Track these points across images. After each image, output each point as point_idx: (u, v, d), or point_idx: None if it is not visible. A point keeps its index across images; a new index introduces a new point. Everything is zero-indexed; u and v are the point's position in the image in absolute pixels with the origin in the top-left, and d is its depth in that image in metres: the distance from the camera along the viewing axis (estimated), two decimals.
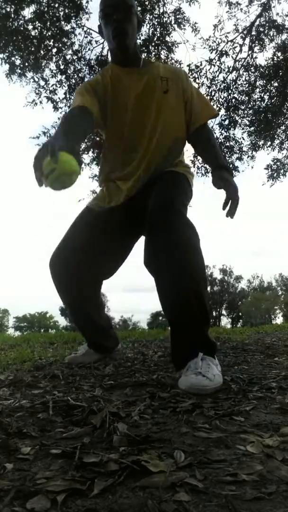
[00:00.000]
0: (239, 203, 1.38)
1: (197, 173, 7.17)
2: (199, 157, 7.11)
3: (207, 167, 7.14)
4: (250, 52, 6.88)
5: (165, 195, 1.44)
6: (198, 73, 6.67)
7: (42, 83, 6.22)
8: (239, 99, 6.98)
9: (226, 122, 6.95)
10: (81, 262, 1.59)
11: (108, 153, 1.68)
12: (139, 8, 6.33)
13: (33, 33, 5.66)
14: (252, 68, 6.90)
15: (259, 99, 6.97)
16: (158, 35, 6.50)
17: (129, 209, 1.60)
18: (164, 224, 1.31)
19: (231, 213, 1.37)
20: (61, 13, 5.69)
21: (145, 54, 6.63)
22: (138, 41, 6.57)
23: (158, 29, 6.48)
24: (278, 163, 7.26)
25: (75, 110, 1.46)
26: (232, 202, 1.37)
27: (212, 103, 6.84)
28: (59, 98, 6.38)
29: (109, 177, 1.69)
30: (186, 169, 1.66)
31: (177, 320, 1.30)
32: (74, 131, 1.34)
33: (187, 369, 1.18)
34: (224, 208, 1.37)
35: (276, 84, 6.79)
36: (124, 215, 1.61)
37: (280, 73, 6.61)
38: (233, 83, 6.90)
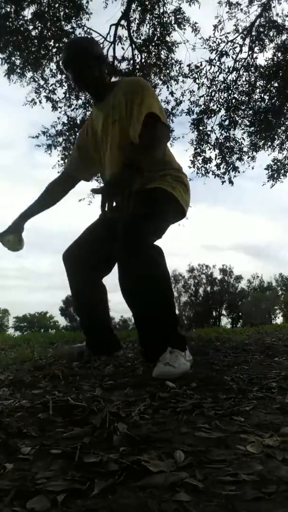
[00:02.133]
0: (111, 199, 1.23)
1: (197, 173, 7.17)
2: (198, 158, 7.14)
3: (207, 167, 7.16)
4: (250, 52, 6.88)
5: (133, 223, 1.46)
6: (198, 73, 6.67)
7: (41, 82, 6.23)
8: (239, 99, 6.97)
9: (226, 122, 6.95)
10: (85, 252, 1.79)
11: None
12: (139, 8, 6.34)
13: (33, 33, 5.65)
14: (252, 69, 6.89)
15: (259, 99, 6.96)
16: (158, 35, 6.50)
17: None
18: (131, 256, 1.46)
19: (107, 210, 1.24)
20: (61, 13, 5.69)
21: (145, 54, 6.64)
22: (138, 41, 6.58)
23: (158, 29, 6.48)
24: (279, 164, 7.25)
25: (61, 175, 2.03)
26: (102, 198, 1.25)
27: (212, 104, 6.86)
28: (58, 98, 6.39)
29: None
30: (172, 184, 1.64)
31: (149, 326, 1.53)
32: (48, 195, 1.93)
33: (159, 361, 1.39)
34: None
35: (276, 84, 6.78)
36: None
37: (280, 74, 6.60)
38: (233, 83, 6.90)
